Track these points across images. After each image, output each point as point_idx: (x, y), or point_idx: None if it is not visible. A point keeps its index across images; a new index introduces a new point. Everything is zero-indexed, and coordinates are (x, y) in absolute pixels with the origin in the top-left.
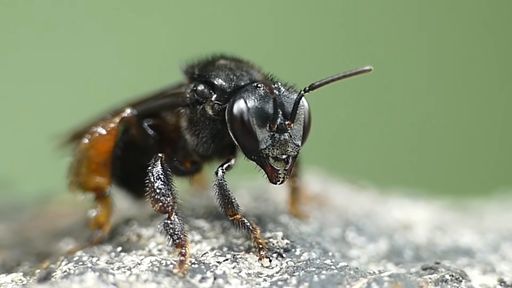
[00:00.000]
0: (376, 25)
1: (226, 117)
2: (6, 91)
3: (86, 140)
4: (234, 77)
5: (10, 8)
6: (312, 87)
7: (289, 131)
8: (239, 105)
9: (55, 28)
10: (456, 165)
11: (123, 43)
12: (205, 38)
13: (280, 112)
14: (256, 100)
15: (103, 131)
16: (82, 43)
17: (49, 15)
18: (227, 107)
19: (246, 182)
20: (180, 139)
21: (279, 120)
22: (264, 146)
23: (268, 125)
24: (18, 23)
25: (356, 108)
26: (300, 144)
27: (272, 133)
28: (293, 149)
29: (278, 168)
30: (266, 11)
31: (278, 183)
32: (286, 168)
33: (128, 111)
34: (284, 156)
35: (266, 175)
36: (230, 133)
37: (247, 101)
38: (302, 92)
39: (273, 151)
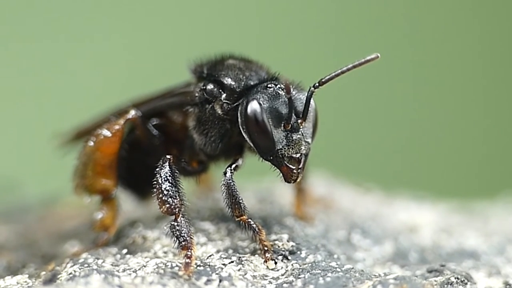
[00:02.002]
0: (379, 24)
1: (239, 119)
2: (11, 92)
3: (91, 143)
4: (244, 77)
5: (14, 4)
6: (321, 82)
7: (301, 129)
8: (253, 106)
9: (60, 26)
10: (461, 168)
11: (127, 42)
12: (210, 38)
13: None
14: (269, 100)
15: (108, 133)
16: (86, 41)
17: (55, 11)
18: (240, 108)
19: (252, 184)
20: (186, 139)
21: (292, 119)
22: (280, 146)
23: (282, 124)
24: (23, 20)
25: (361, 111)
26: (310, 142)
27: (286, 133)
28: (305, 148)
29: (293, 167)
30: (268, 12)
31: (292, 182)
32: (300, 166)
33: (132, 113)
34: (298, 155)
35: (281, 175)
36: (245, 135)
37: (261, 101)
38: (312, 88)
39: (288, 151)
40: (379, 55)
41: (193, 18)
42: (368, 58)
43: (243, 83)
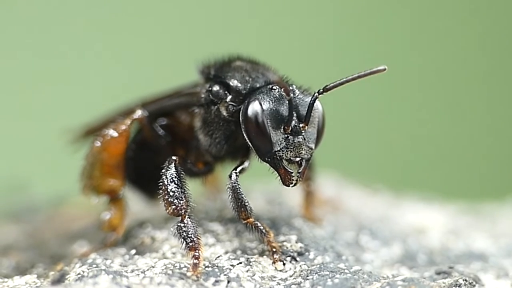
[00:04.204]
0: (388, 27)
1: (240, 119)
2: (19, 92)
3: (98, 143)
4: (250, 79)
5: (25, 2)
6: (326, 89)
7: (303, 133)
8: (254, 107)
9: (71, 23)
10: (470, 169)
11: (138, 38)
12: (221, 38)
13: (295, 115)
14: (270, 102)
15: (115, 134)
16: (96, 39)
17: (66, 10)
18: (241, 108)
19: (260, 186)
20: (193, 139)
21: (293, 123)
22: (278, 148)
23: (282, 127)
24: (34, 17)
25: (370, 112)
26: (313, 147)
27: (286, 136)
28: (306, 152)
29: (292, 171)
30: (279, 13)
31: (291, 185)
32: (299, 170)
33: (139, 113)
34: (297, 159)
35: (279, 178)
36: (244, 135)
37: (261, 103)
38: (316, 94)
39: (287, 154)
40: (386, 67)
41: (206, 18)
42: (375, 69)
43: (249, 85)
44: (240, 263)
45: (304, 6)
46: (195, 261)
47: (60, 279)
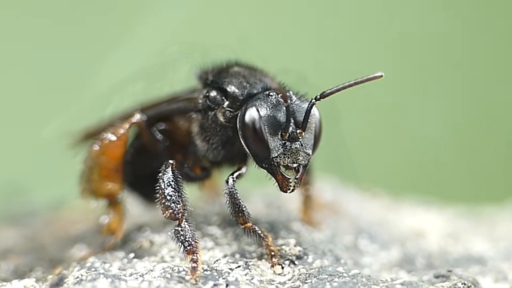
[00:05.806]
0: (385, 32)
1: (237, 125)
2: (17, 96)
3: (96, 147)
4: (247, 85)
5: (30, 5)
6: (323, 95)
7: (300, 139)
8: (251, 113)
9: (67, 29)
10: (468, 173)
11: (135, 44)
12: (218, 43)
13: (292, 121)
14: (268, 108)
15: (113, 137)
16: (91, 45)
17: (65, 14)
18: (239, 114)
19: (259, 189)
20: (190, 145)
21: (290, 129)
22: (276, 155)
23: (279, 133)
24: (34, 20)
25: (368, 116)
26: (311, 153)
27: (283, 142)
28: (304, 158)
29: (289, 177)
30: (276, 18)
31: (288, 191)
32: (297, 176)
33: (137, 117)
34: (295, 165)
35: (277, 184)
36: (242, 141)
37: (259, 109)
38: (313, 100)
39: (284, 160)
40: (383, 74)
41: (205, 23)
42: (371, 76)
43: (246, 91)
44: (239, 266)
45: (302, 11)
46: (194, 264)
47: (59, 282)
